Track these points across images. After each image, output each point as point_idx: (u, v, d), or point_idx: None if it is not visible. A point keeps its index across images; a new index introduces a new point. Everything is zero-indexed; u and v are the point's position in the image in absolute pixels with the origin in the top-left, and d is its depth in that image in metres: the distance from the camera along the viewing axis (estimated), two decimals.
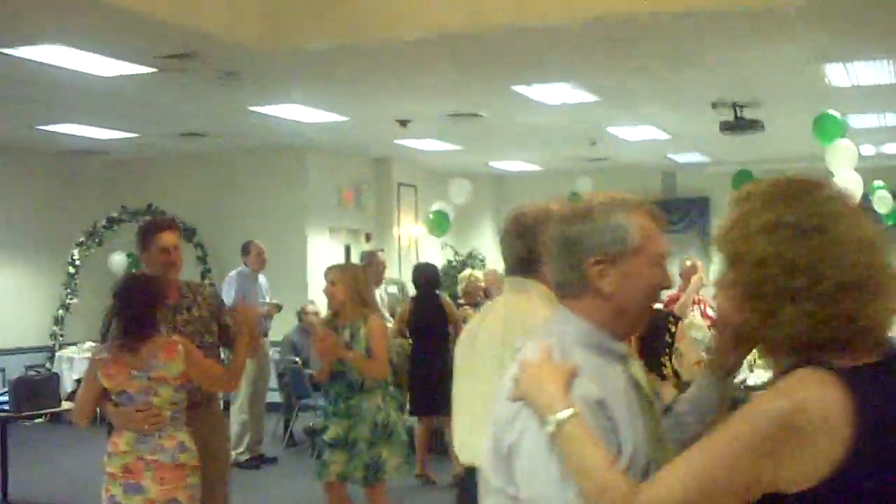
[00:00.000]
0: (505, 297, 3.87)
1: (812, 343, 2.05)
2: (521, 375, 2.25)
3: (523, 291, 3.69)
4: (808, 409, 1.96)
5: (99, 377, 4.98)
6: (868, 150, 14.27)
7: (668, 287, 2.42)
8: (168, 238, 5.67)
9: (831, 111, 10.23)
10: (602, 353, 2.32)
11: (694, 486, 2.01)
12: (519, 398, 2.23)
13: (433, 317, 9.72)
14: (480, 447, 2.39)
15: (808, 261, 2.04)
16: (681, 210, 18.37)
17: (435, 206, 15.40)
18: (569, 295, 2.37)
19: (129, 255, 13.55)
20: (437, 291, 10.05)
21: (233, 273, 11.13)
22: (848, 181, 10.37)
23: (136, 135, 12.98)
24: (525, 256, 3.71)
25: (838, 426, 1.94)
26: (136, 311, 5.02)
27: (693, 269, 10.84)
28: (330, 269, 6.97)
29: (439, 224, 14.96)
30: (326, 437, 6.66)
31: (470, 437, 3.70)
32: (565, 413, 2.12)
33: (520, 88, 10.33)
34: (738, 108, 11.37)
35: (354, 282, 6.78)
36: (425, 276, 10.03)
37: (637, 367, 2.40)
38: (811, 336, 2.05)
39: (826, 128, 10.23)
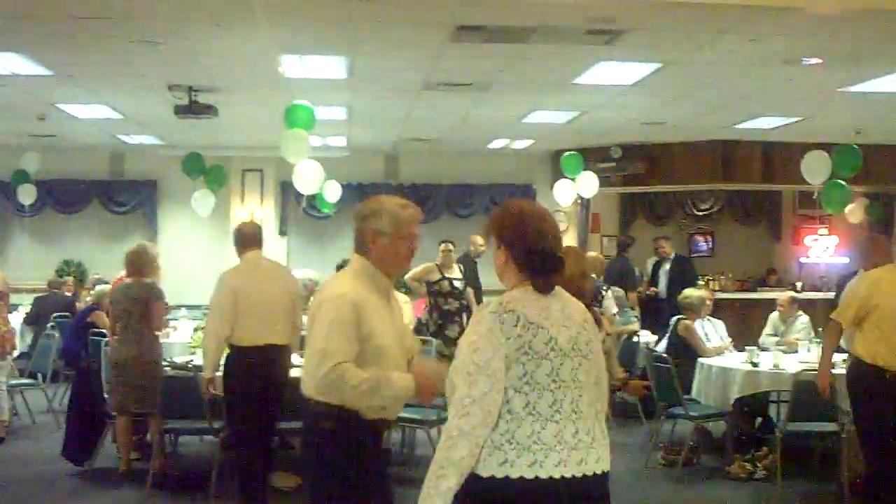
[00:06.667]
0: None
1: None
2: None
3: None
4: None
5: None
6: (315, 140, 14.84)
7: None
8: None
9: (302, 102, 10.59)
10: None
11: None
12: None
13: None
14: None
15: None
16: (129, 192, 18.24)
17: None
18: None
19: None
20: None
21: None
22: (307, 169, 10.84)
23: None
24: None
25: None
26: None
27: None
28: None
29: None
30: None
31: None
32: None
33: None
34: (193, 93, 11.41)
35: None
36: None
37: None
38: None
39: (296, 117, 10.59)
